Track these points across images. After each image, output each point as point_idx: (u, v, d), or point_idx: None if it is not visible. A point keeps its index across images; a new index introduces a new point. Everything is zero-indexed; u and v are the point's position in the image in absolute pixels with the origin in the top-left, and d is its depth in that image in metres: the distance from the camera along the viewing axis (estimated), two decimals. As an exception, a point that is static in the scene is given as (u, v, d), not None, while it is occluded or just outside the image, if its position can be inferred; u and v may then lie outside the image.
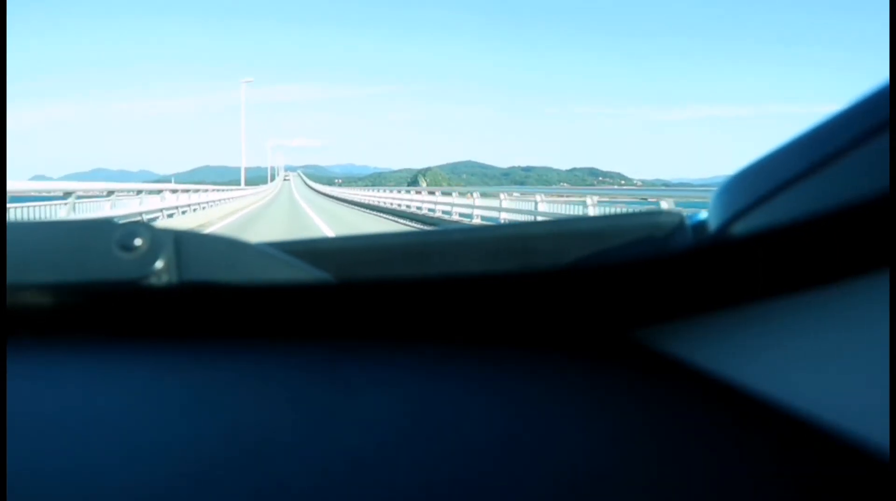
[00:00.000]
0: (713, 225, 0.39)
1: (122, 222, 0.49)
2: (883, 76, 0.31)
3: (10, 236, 0.46)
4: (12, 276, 0.44)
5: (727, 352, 0.36)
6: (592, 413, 0.34)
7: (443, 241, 0.54)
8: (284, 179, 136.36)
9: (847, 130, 0.31)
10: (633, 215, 0.50)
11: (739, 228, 0.36)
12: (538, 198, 12.88)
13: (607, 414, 0.34)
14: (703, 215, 0.44)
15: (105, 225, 0.47)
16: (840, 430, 0.29)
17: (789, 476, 0.27)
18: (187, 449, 0.30)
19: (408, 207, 20.09)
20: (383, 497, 0.26)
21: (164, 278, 0.45)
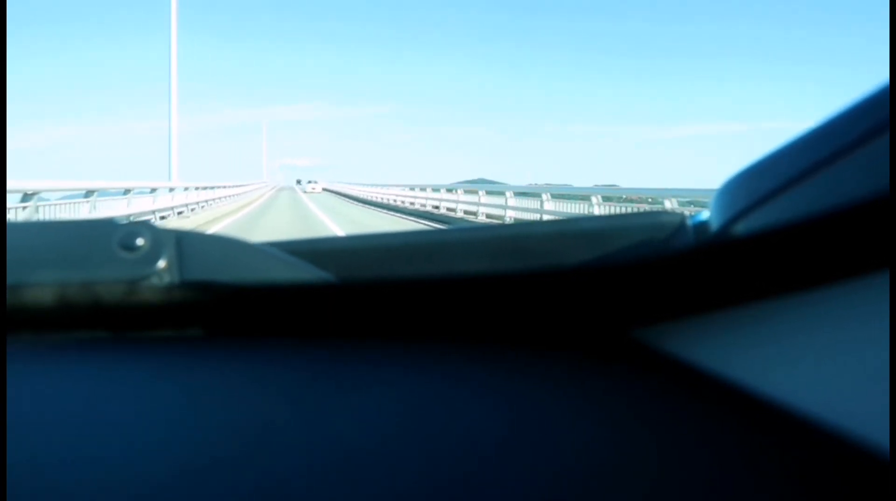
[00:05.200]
0: (714, 225, 0.39)
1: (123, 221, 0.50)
2: (882, 79, 0.31)
3: (11, 235, 0.46)
4: (14, 275, 0.44)
5: (728, 352, 0.35)
6: (593, 412, 0.34)
7: (444, 241, 0.53)
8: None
9: (848, 130, 0.31)
10: (635, 215, 0.49)
11: (740, 228, 0.35)
12: (595, 200, 11.14)
13: (608, 413, 0.34)
14: (705, 215, 0.43)
15: (107, 225, 0.47)
16: (840, 430, 0.28)
17: (788, 475, 0.27)
18: (188, 447, 0.30)
19: (423, 205, 19.77)
20: (382, 496, 0.26)
21: (166, 278, 0.45)
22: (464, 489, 0.27)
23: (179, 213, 15.83)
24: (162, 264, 0.45)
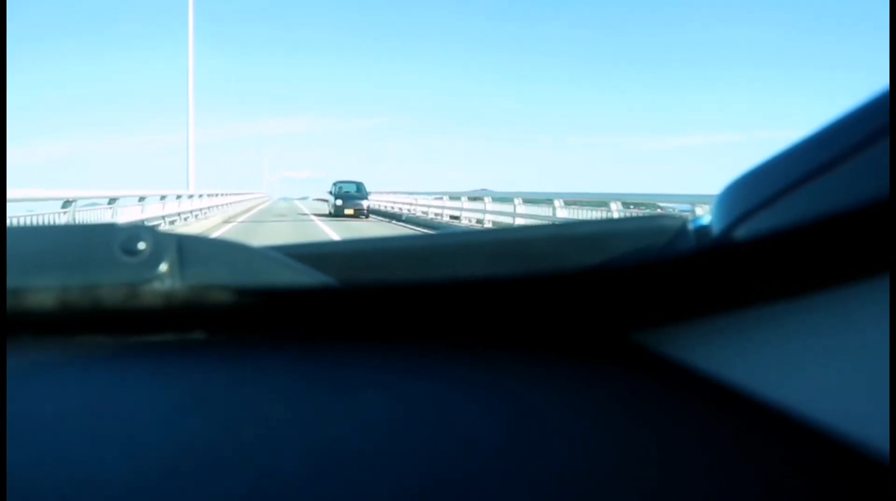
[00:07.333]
0: (716, 229, 0.39)
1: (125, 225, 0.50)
2: (882, 83, 0.31)
3: (13, 238, 0.46)
4: (15, 278, 0.44)
5: (728, 355, 0.36)
6: (592, 415, 0.34)
7: (445, 244, 0.54)
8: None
9: (848, 134, 0.31)
10: (636, 218, 0.50)
11: (741, 231, 0.36)
12: (615, 206, 10.40)
13: (607, 416, 0.34)
14: (706, 219, 0.44)
15: (108, 229, 0.47)
16: (840, 432, 0.28)
17: (787, 478, 0.27)
18: (189, 450, 0.30)
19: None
20: (381, 498, 0.26)
21: (168, 282, 0.45)
22: (463, 490, 0.27)
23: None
24: (163, 267, 0.45)
